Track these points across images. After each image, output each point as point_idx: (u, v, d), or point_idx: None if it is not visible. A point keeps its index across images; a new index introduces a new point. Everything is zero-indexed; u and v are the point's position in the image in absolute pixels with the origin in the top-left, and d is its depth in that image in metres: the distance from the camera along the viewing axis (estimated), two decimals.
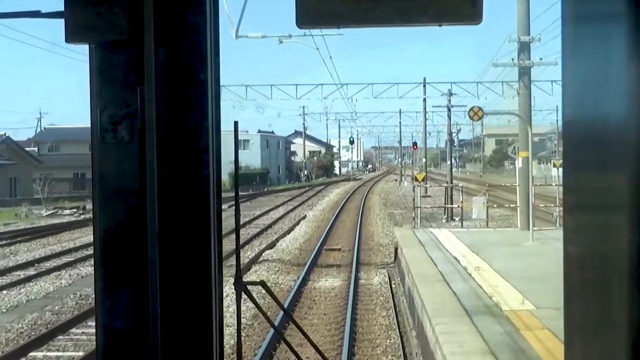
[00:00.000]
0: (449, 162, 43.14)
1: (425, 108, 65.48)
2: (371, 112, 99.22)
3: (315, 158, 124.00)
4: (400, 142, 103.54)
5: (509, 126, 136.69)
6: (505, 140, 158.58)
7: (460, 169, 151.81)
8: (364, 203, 55.23)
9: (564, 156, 1.62)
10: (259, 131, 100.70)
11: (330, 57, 70.11)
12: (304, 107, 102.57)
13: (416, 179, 30.99)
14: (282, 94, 61.38)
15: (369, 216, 44.80)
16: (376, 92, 63.34)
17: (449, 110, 43.65)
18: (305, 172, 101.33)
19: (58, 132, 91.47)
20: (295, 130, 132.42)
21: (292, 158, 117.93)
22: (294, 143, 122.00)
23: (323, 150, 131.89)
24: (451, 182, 43.60)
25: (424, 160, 67.75)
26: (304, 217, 44.29)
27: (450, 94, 44.01)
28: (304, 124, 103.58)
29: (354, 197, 63.73)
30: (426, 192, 65.40)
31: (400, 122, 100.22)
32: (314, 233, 35.70)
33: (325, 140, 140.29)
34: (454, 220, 42.41)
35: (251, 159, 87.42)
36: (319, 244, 30.80)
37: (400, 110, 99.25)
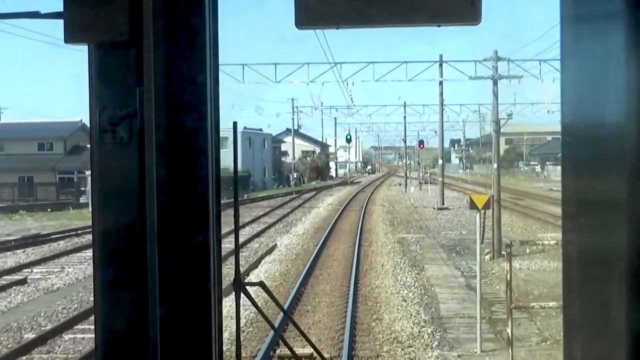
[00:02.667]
0: (495, 165, 27.08)
1: (442, 93, 49.69)
2: (371, 105, 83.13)
3: (308, 159, 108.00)
4: (405, 140, 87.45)
5: (522, 124, 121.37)
6: (516, 140, 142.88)
7: (467, 170, 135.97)
8: (362, 219, 39.28)
9: (562, 156, 1.60)
10: (245, 128, 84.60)
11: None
12: (293, 100, 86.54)
13: (473, 204, 14.28)
14: (257, 76, 45.42)
15: (371, 248, 28.79)
16: (379, 74, 47.29)
17: (495, 83, 27.46)
18: (295, 175, 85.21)
19: (3, 129, 75.42)
20: (287, 128, 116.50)
21: (283, 159, 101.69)
22: (284, 142, 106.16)
23: (317, 150, 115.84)
24: (498, 195, 27.52)
25: (440, 161, 51.74)
26: (272, 250, 28.33)
27: (498, 58, 27.91)
28: (293, 119, 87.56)
29: (350, 210, 47.74)
30: (443, 204, 49.81)
31: (405, 117, 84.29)
32: (276, 291, 19.68)
33: (320, 139, 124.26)
34: (503, 255, 26.37)
35: (229, 159, 71.18)
36: (269, 338, 14.80)
37: (405, 103, 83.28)
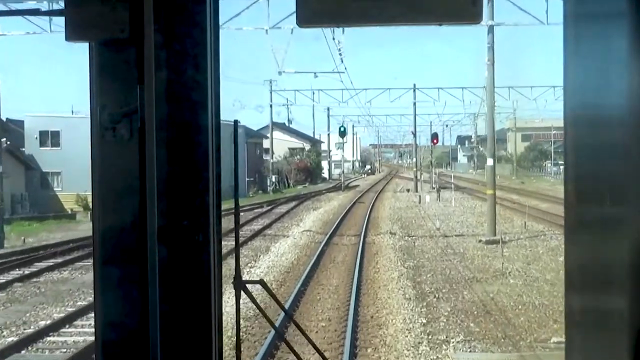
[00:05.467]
0: None
1: (492, 46, 29.15)
2: (371, 89, 62.54)
3: (297, 157, 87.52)
4: (414, 133, 66.70)
5: (537, 118, 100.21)
6: (535, 136, 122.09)
7: (479, 170, 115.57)
8: (358, 280, 18.82)
9: (565, 155, 1.58)
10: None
11: None
12: (271, 81, 65.92)
13: None
14: None
15: None
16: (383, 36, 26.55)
17: None
18: (274, 179, 64.42)
19: None
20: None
21: (266, 158, 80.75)
22: (267, 137, 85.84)
23: (308, 147, 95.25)
24: None
25: (489, 163, 31.08)
26: None
27: None
28: (271, 106, 66.82)
29: (338, 245, 27.27)
30: (495, 233, 29.62)
31: (414, 104, 63.76)
32: None
33: (312, 135, 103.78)
34: None
35: None
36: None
37: (414, 86, 62.81)
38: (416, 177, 63.62)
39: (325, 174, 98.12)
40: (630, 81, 1.33)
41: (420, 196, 49.36)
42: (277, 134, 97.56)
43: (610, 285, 1.42)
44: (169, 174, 1.79)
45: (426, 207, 45.02)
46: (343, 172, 74.03)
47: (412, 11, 1.89)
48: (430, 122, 79.45)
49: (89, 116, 1.82)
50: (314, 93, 68.63)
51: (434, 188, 63.91)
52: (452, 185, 51.77)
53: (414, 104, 63.09)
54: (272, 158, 67.60)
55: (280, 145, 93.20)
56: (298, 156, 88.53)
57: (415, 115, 64.62)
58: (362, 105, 65.46)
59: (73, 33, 1.76)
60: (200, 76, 1.79)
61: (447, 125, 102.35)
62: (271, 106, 66.14)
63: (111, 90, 1.77)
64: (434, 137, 66.18)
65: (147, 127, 1.76)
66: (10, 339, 14.17)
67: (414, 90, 62.83)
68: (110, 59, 1.76)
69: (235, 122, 2.13)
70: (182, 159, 1.79)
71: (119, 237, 1.79)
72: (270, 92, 65.41)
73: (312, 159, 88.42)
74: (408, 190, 63.28)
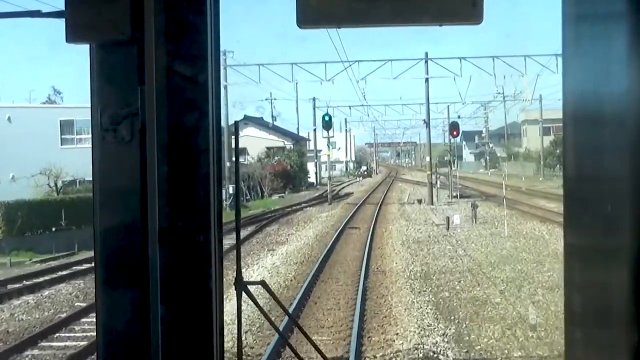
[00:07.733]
0: None
1: None
2: (365, 61, 43.16)
3: (277, 158, 68.55)
4: (427, 122, 47.16)
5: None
6: (554, 128, 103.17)
7: (492, 169, 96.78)
8: None
9: (564, 152, 1.59)
10: None
11: None
12: (225, 53, 46.47)
13: None
14: None
15: None
16: None
17: None
18: (231, 191, 44.92)
19: None
20: (245, 116, 76.89)
21: (241, 160, 61.21)
22: (242, 135, 66.66)
23: (290, 145, 76.14)
24: None
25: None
26: None
27: None
28: (226, 87, 47.13)
29: None
30: None
31: (427, 80, 44.62)
32: None
33: (295, 131, 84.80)
34: None
35: None
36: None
37: (426, 55, 43.81)
38: (431, 182, 44.40)
39: (312, 178, 79.05)
40: (630, 81, 1.31)
41: (448, 218, 30.10)
42: (252, 131, 78.28)
43: (611, 286, 1.39)
44: (170, 176, 1.76)
45: (462, 239, 26.04)
46: (330, 178, 54.73)
47: (412, 12, 1.87)
48: (448, 107, 60.05)
49: (90, 118, 1.77)
50: (294, 79, 49.67)
51: (455, 196, 45.23)
52: (504, 200, 32.02)
53: (426, 79, 43.98)
54: (228, 161, 48.01)
55: (256, 143, 74.07)
56: (276, 157, 69.53)
57: (427, 96, 45.38)
58: (355, 83, 46.14)
59: (73, 35, 1.74)
60: (200, 77, 1.76)
61: (459, 117, 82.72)
62: (226, 87, 46.65)
63: (112, 91, 1.75)
64: (453, 127, 47.21)
65: (148, 129, 1.74)
66: None
67: (426, 62, 43.80)
68: (110, 60, 1.75)
69: (236, 122, 1.98)
70: (183, 160, 1.77)
71: (119, 238, 1.76)
72: (225, 69, 45.95)
73: (293, 160, 69.25)
74: (420, 202, 44.36)
